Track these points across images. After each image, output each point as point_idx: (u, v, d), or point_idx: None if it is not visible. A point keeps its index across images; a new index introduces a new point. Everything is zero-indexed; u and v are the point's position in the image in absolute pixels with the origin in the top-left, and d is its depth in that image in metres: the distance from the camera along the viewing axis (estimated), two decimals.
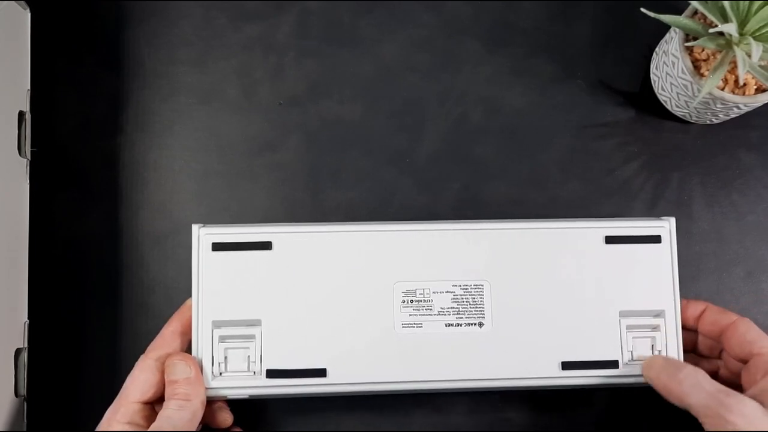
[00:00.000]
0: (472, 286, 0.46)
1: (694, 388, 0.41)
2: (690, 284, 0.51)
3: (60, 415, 0.50)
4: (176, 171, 0.51)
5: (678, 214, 0.51)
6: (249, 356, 0.45)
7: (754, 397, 0.40)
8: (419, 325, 0.45)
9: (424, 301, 0.46)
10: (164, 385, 0.43)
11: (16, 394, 0.47)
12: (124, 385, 0.43)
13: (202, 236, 0.45)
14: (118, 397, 0.43)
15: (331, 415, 0.49)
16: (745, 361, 0.44)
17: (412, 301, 0.46)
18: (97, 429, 0.42)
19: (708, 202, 0.52)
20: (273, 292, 0.45)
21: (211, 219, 0.51)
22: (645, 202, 0.51)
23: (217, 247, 0.45)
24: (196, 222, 0.46)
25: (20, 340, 0.48)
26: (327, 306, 0.45)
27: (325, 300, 0.45)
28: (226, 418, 0.46)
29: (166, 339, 0.45)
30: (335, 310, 0.45)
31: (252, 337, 0.45)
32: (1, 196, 0.46)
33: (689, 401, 0.41)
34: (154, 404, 0.44)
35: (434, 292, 0.46)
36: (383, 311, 0.45)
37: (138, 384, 0.43)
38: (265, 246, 0.45)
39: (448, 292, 0.46)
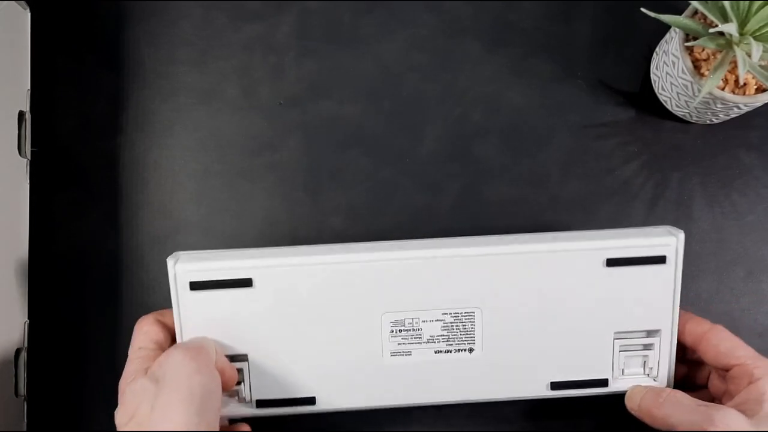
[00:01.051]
0: (463, 314, 0.45)
1: (675, 407, 0.41)
2: (690, 284, 0.51)
3: (60, 415, 0.50)
4: (176, 171, 0.51)
5: (678, 214, 0.51)
6: (238, 388, 0.45)
7: (736, 407, 0.40)
8: (408, 354, 0.45)
9: (413, 330, 0.45)
10: (171, 339, 0.44)
11: (16, 394, 0.47)
12: (136, 341, 0.43)
13: (179, 274, 0.43)
14: (134, 350, 0.43)
15: (332, 414, 0.49)
16: (726, 370, 0.44)
17: (400, 331, 0.45)
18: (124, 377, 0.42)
19: (708, 202, 0.52)
20: (257, 328, 0.44)
21: (211, 219, 0.51)
22: (645, 202, 0.51)
23: (195, 286, 0.43)
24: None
25: (20, 340, 0.48)
26: (313, 337, 0.44)
27: (311, 332, 0.44)
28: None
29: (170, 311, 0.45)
30: (322, 340, 0.44)
31: (239, 370, 0.45)
32: (1, 196, 0.46)
33: (672, 421, 0.41)
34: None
35: (423, 321, 0.45)
36: (371, 341, 0.45)
37: (152, 335, 0.43)
38: (246, 283, 0.44)
39: (437, 320, 0.45)
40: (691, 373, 0.47)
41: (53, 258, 0.50)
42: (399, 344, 0.45)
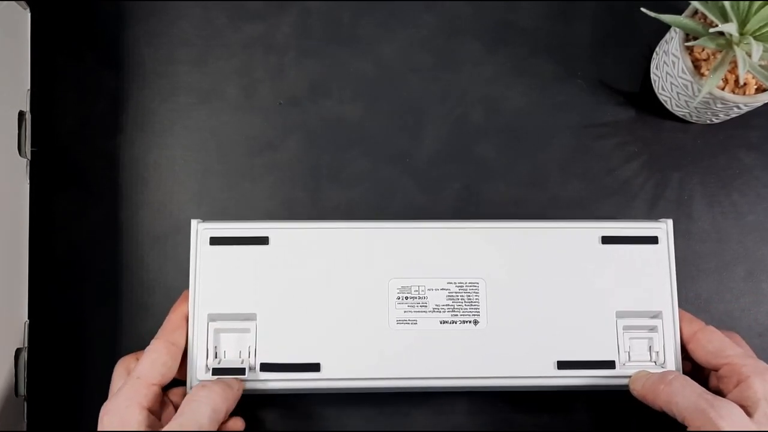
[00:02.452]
0: (468, 284, 0.46)
1: (683, 389, 0.41)
2: (690, 284, 0.51)
3: (60, 415, 0.50)
4: (176, 171, 0.51)
5: (678, 214, 0.51)
6: (243, 350, 0.45)
7: None
8: (414, 322, 0.45)
9: (419, 298, 0.46)
10: (176, 369, 0.44)
11: (16, 394, 0.47)
12: (140, 367, 0.43)
13: (201, 231, 0.46)
14: (134, 377, 0.43)
15: (332, 415, 0.49)
16: (716, 370, 0.44)
17: (407, 298, 0.46)
18: (111, 409, 0.42)
19: (708, 202, 0.52)
20: (269, 287, 0.45)
21: (210, 218, 0.51)
22: (645, 202, 0.51)
23: (215, 241, 0.46)
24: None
25: (20, 340, 0.48)
26: (322, 301, 0.45)
27: (320, 295, 0.45)
28: (237, 423, 0.46)
29: (176, 323, 0.45)
30: (330, 305, 0.45)
31: (247, 330, 0.45)
32: (1, 196, 0.46)
33: (677, 400, 0.41)
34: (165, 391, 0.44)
35: (429, 290, 0.46)
36: (378, 307, 0.45)
37: (157, 366, 0.43)
38: (262, 241, 0.46)
39: (443, 289, 0.46)
40: (694, 371, 0.47)
41: (53, 258, 0.50)
42: (405, 311, 0.46)
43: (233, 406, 0.44)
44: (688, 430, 0.40)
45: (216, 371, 0.44)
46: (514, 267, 0.46)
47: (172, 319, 0.45)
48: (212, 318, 0.45)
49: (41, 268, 0.50)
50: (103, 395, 0.43)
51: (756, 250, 0.51)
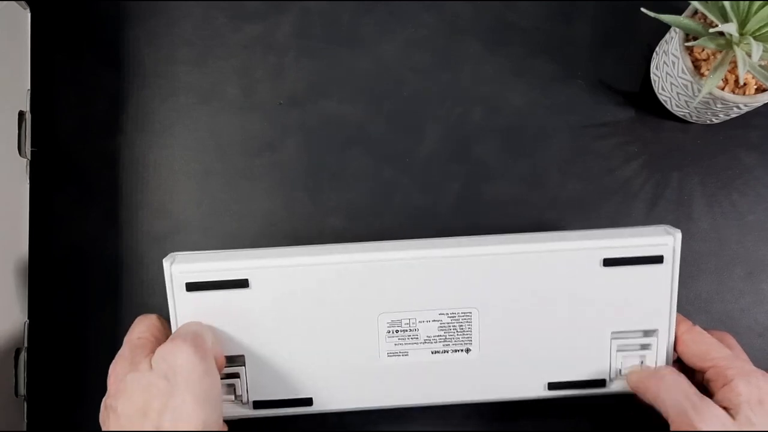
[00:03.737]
0: (460, 314, 0.45)
1: (673, 386, 0.41)
2: (690, 284, 0.51)
3: (60, 415, 0.50)
4: (176, 171, 0.51)
5: (678, 214, 0.51)
6: (235, 389, 0.45)
7: None
8: (405, 354, 0.45)
9: (410, 330, 0.45)
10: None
11: (16, 394, 0.47)
12: (134, 331, 0.44)
13: (175, 275, 0.43)
14: (129, 340, 0.43)
15: (330, 415, 0.49)
16: (702, 372, 0.43)
17: (397, 331, 0.45)
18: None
19: (708, 202, 0.52)
20: (254, 328, 0.44)
21: (211, 219, 0.51)
22: (645, 202, 0.51)
23: (192, 287, 0.44)
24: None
25: (20, 340, 0.48)
26: (310, 338, 0.44)
27: (307, 332, 0.44)
28: None
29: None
30: (319, 341, 0.44)
31: (236, 373, 0.45)
32: (1, 196, 0.46)
33: (663, 397, 0.41)
34: None
35: (420, 322, 0.45)
36: (368, 341, 0.45)
37: (152, 328, 0.44)
38: (242, 284, 0.44)
39: (434, 320, 0.45)
40: (687, 373, 0.47)
41: (53, 258, 0.50)
42: (396, 344, 0.45)
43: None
44: (670, 429, 0.40)
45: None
46: (509, 293, 0.44)
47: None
48: None
49: (41, 268, 0.50)
50: (103, 395, 0.43)
51: (756, 250, 0.51)
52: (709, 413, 0.39)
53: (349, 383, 0.45)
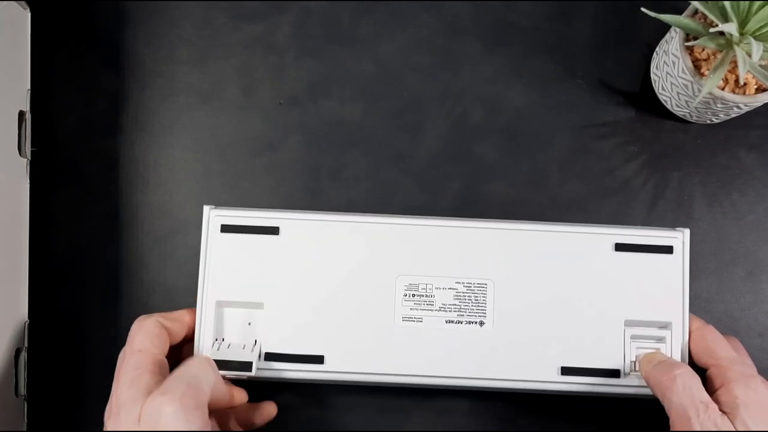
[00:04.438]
0: (476, 285, 0.46)
1: (682, 389, 0.41)
2: (690, 284, 0.51)
3: (60, 415, 0.50)
4: (176, 171, 0.51)
5: (678, 214, 0.51)
6: (249, 338, 0.45)
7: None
8: (419, 320, 0.45)
9: (426, 296, 0.46)
10: (169, 344, 0.43)
11: (16, 394, 0.47)
12: (134, 341, 0.42)
13: (212, 217, 0.46)
14: (131, 351, 0.42)
15: (331, 415, 0.49)
16: (705, 369, 0.43)
17: (414, 295, 0.46)
18: (123, 387, 0.41)
19: (708, 202, 0.52)
20: (277, 277, 0.46)
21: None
22: (645, 202, 0.51)
23: (226, 228, 0.46)
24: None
25: (20, 340, 0.48)
26: (329, 294, 0.45)
27: (327, 288, 0.45)
28: (237, 395, 0.46)
29: (174, 314, 0.45)
30: (337, 298, 0.45)
31: (253, 319, 0.45)
32: (1, 196, 0.46)
33: (672, 398, 0.41)
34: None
35: (437, 288, 0.46)
36: (384, 303, 0.45)
37: (152, 337, 0.42)
38: (273, 231, 0.46)
39: (450, 288, 0.46)
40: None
41: (53, 258, 0.50)
42: (411, 309, 0.45)
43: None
44: (670, 429, 0.40)
45: (221, 364, 0.44)
46: (523, 269, 0.46)
47: (174, 313, 0.45)
48: (220, 305, 0.45)
49: (41, 268, 0.50)
50: (103, 395, 0.43)
51: (756, 250, 0.51)
52: (710, 422, 0.39)
53: (362, 344, 0.45)
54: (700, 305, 0.51)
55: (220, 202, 0.51)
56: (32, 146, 0.50)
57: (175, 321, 0.45)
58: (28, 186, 0.50)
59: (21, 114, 0.49)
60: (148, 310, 0.49)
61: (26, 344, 0.48)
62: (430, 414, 0.50)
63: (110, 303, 0.50)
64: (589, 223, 0.50)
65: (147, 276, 0.51)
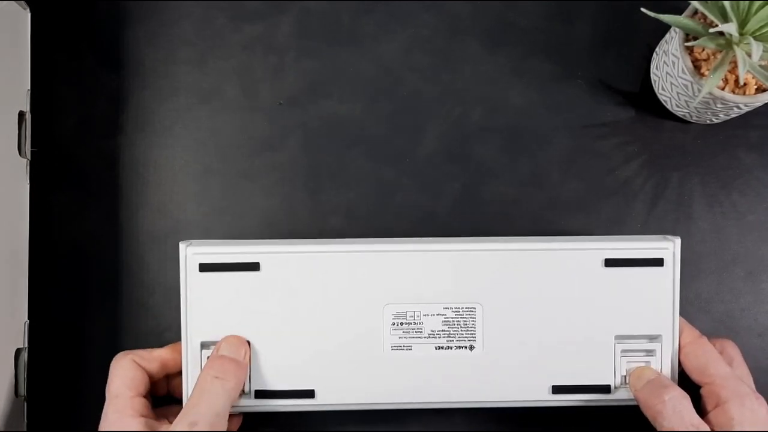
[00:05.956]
0: (464, 309, 0.45)
1: (674, 414, 0.40)
2: (690, 284, 0.51)
3: (60, 415, 0.50)
4: (176, 171, 0.51)
5: (678, 214, 0.51)
6: None
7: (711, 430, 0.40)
8: (409, 348, 0.45)
9: (414, 323, 0.45)
10: (149, 381, 0.44)
11: (16, 394, 0.47)
12: (112, 386, 0.43)
13: (189, 256, 0.45)
14: (109, 396, 0.43)
15: (330, 414, 0.49)
16: (699, 386, 0.43)
17: (402, 324, 0.45)
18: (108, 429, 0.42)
19: (708, 202, 0.52)
20: (261, 313, 0.45)
21: (211, 219, 0.51)
22: (645, 202, 0.51)
23: (204, 267, 0.45)
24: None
25: (20, 340, 0.48)
26: (315, 327, 0.45)
27: (313, 321, 0.45)
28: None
29: (152, 353, 0.45)
30: (324, 331, 0.45)
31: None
32: (1, 196, 0.46)
33: (662, 422, 0.40)
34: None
35: (425, 315, 0.45)
36: (372, 333, 0.45)
37: (127, 381, 0.43)
38: (253, 267, 0.45)
39: (438, 314, 0.45)
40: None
41: (53, 258, 0.50)
42: (400, 338, 0.45)
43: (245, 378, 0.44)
44: None
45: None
46: (512, 291, 0.45)
47: (153, 351, 0.45)
48: (205, 346, 0.45)
49: (41, 268, 0.50)
50: (103, 395, 0.44)
51: (756, 250, 0.51)
52: None
53: (352, 376, 0.45)
54: (700, 305, 0.51)
55: (220, 202, 0.51)
56: (32, 146, 0.50)
57: (153, 361, 0.45)
58: (28, 186, 0.50)
59: (21, 114, 0.49)
60: (148, 309, 0.50)
61: (26, 344, 0.48)
62: (429, 414, 0.50)
63: (110, 303, 0.50)
64: (589, 223, 0.51)
65: (147, 276, 0.51)
